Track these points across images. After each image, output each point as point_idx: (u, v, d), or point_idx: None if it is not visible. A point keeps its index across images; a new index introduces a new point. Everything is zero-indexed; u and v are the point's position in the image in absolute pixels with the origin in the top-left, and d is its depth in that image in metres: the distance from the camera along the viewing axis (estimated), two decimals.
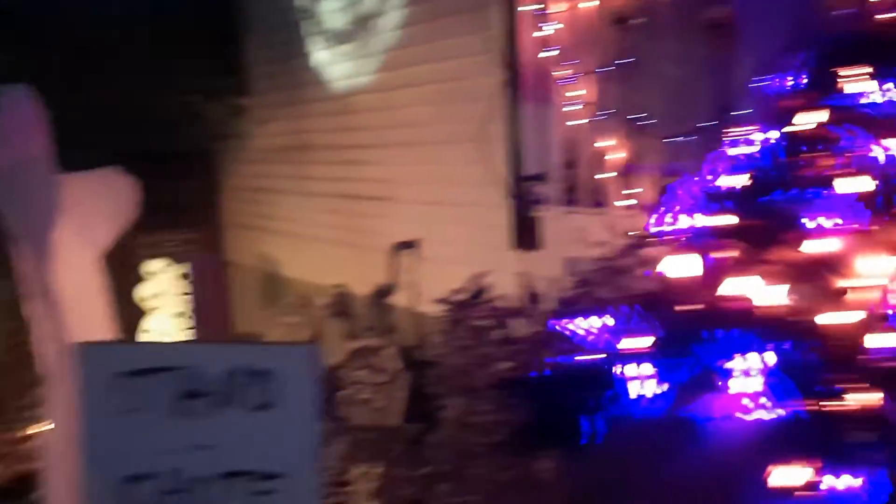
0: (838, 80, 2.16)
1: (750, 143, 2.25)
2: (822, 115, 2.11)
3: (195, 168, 7.06)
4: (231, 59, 6.82)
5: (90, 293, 2.89)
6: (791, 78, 2.24)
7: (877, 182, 1.98)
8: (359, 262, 5.27)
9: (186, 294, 5.86)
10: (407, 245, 4.70)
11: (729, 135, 2.33)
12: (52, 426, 2.69)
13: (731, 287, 1.95)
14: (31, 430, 5.22)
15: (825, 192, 2.00)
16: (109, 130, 6.47)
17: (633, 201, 3.15)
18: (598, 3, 3.35)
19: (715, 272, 2.00)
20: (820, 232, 1.94)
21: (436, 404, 4.25)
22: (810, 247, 1.93)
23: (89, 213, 2.69)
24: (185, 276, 5.87)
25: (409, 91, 4.58)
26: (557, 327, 2.24)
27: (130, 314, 5.36)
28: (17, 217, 2.62)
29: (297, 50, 5.76)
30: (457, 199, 4.32)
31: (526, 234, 3.74)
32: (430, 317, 4.55)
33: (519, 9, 3.60)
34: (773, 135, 2.21)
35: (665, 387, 1.96)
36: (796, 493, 1.72)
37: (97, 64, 6.19)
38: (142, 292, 5.58)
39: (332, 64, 5.40)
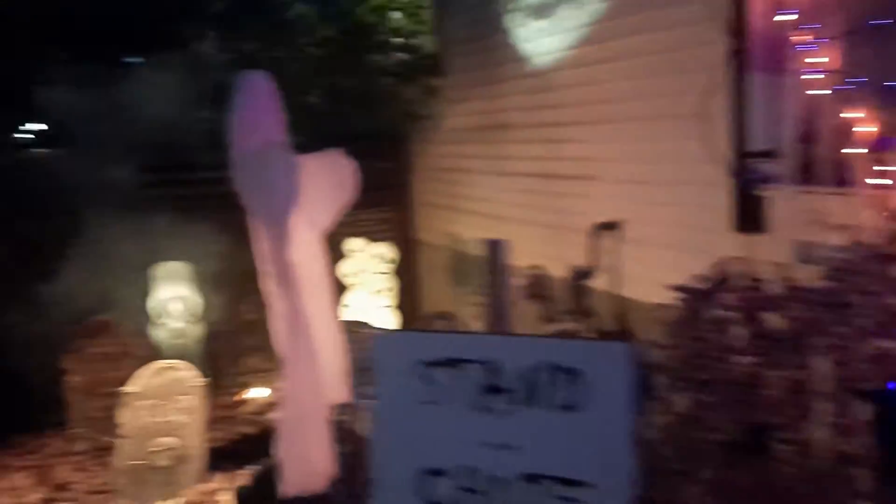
0: None
1: None
2: None
3: (389, 149, 7.25)
4: (424, 40, 6.90)
5: (316, 272, 2.98)
6: None
7: None
8: (555, 242, 5.14)
9: (384, 273, 6.01)
10: (608, 226, 4.51)
11: None
12: (286, 398, 2.79)
13: None
14: (246, 396, 5.60)
15: None
16: (312, 113, 6.80)
17: (886, 180, 2.78)
18: None
19: None
20: None
21: (649, 395, 4.07)
22: None
23: (314, 194, 2.76)
24: (381, 255, 6.00)
25: (615, 65, 4.37)
26: None
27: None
28: (259, 200, 2.72)
29: (493, 27, 5.69)
30: (666, 178, 4.07)
31: (749, 216, 3.44)
32: (638, 302, 4.35)
33: None
34: None
35: None
36: None
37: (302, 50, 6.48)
38: (342, 269, 5.78)
39: (530, 40, 5.27)
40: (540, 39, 5.14)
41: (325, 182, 2.93)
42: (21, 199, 5.20)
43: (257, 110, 2.82)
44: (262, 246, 2.82)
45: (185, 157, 6.14)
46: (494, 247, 3.69)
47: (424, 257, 7.45)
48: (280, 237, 2.61)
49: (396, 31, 6.95)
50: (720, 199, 3.59)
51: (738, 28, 3.34)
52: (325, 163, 3.02)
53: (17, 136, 6.58)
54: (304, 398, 2.68)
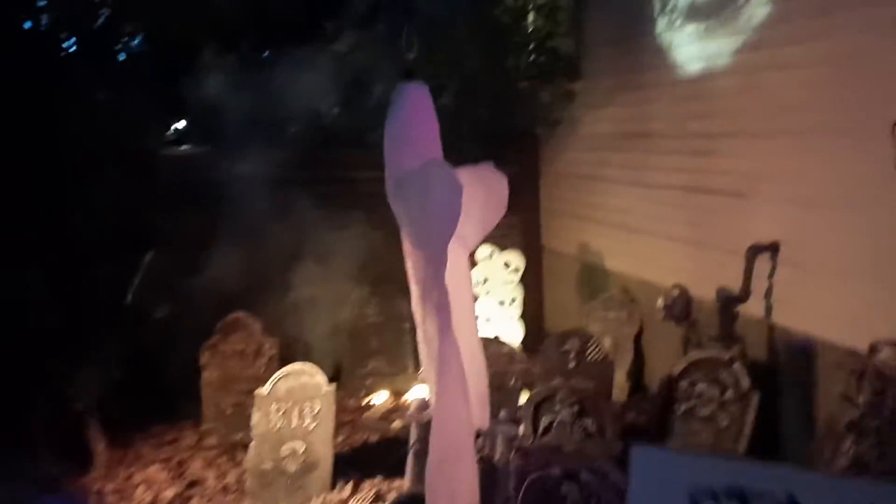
0: None
1: None
2: None
3: (521, 152, 7.06)
4: (561, 42, 6.67)
5: (463, 292, 2.84)
6: None
7: None
8: (701, 261, 4.82)
9: (511, 282, 5.83)
10: (766, 248, 4.17)
11: None
12: (435, 428, 2.66)
13: None
14: (371, 401, 5.56)
15: None
16: (444, 113, 6.70)
17: None
18: None
19: None
20: None
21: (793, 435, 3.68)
22: None
23: (467, 211, 2.60)
24: (509, 263, 5.82)
25: (784, 73, 4.00)
26: None
27: None
28: (419, 224, 2.58)
29: (639, 29, 5.40)
30: (837, 198, 3.70)
31: None
32: (794, 333, 4.00)
33: None
34: None
35: None
36: None
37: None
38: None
39: (682, 44, 4.95)
40: (694, 44, 4.81)
41: (478, 198, 2.77)
42: (170, 194, 5.35)
43: (415, 125, 2.69)
44: (416, 269, 2.70)
45: (329, 155, 6.22)
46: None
47: (551, 266, 7.23)
48: (439, 262, 2.47)
49: (533, 33, 6.75)
50: None
51: None
52: (478, 177, 2.86)
53: (167, 130, 6.81)
54: (454, 428, 2.55)
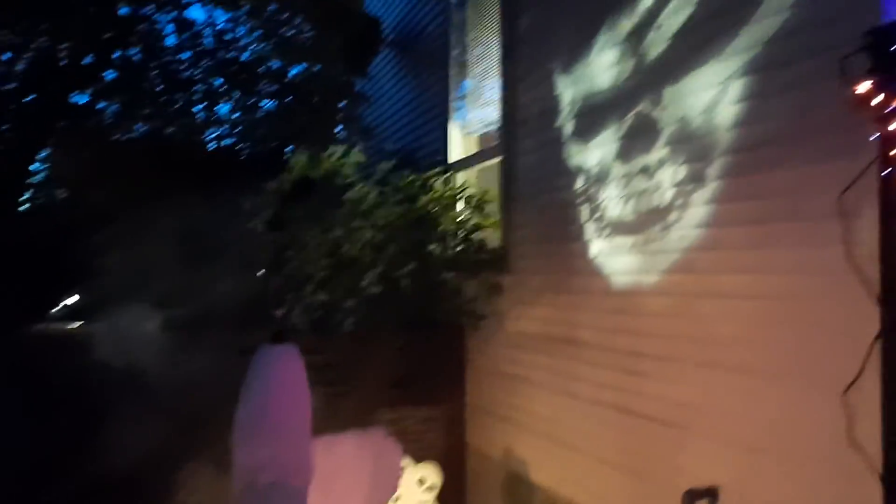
0: None
1: None
2: None
3: (443, 341, 6.69)
4: (489, 235, 6.49)
5: None
6: None
7: None
8: (634, 495, 4.35)
9: (426, 502, 5.19)
10: (704, 493, 3.73)
11: None
12: None
13: None
14: None
15: None
16: (366, 298, 6.33)
17: None
18: None
19: None
20: None
21: None
22: None
23: (346, 492, 2.09)
24: (423, 480, 5.21)
25: (718, 302, 3.75)
26: None
27: None
28: None
29: (568, 232, 5.19)
30: (781, 449, 3.33)
31: None
32: None
33: None
34: None
35: None
36: None
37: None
38: None
39: (611, 255, 4.72)
40: (624, 255, 4.59)
41: (364, 474, 2.27)
42: None
43: (278, 401, 2.19)
44: None
45: None
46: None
47: (475, 468, 6.64)
48: None
49: (461, 224, 6.55)
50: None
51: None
52: (365, 445, 2.37)
53: None
54: None
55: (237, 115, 11.31)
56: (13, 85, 7.45)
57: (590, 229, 4.96)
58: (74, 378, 5.27)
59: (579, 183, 5.13)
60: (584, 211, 5.06)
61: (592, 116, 5.02)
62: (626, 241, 4.56)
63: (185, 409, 4.97)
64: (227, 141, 11.14)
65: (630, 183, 4.53)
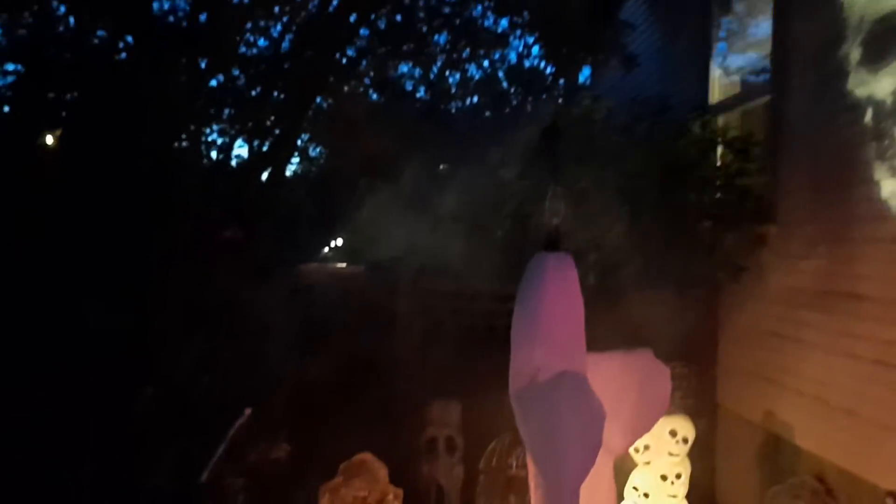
0: None
1: None
2: None
3: (696, 297, 6.32)
4: (754, 181, 5.98)
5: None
6: None
7: None
8: None
9: (675, 455, 4.97)
10: None
11: None
12: None
13: None
14: None
15: None
16: (607, 252, 6.15)
17: None
18: None
19: None
20: None
21: None
22: None
23: (612, 411, 1.99)
24: (675, 433, 4.98)
25: None
26: None
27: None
28: (538, 448, 2.01)
29: (851, 175, 4.63)
30: None
31: None
32: None
33: None
34: None
35: None
36: None
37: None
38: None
39: None
40: None
41: (630, 395, 2.16)
42: None
43: (553, 305, 2.15)
44: (536, 485, 2.11)
45: None
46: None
47: (727, 431, 6.27)
48: (564, 499, 1.87)
49: (720, 169, 6.11)
50: None
51: None
52: (632, 368, 2.25)
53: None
54: None
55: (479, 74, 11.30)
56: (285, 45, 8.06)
57: (880, 169, 4.38)
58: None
59: (866, 118, 4.54)
60: (872, 149, 4.47)
61: (885, 39, 4.40)
62: None
63: None
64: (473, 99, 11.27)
65: None
